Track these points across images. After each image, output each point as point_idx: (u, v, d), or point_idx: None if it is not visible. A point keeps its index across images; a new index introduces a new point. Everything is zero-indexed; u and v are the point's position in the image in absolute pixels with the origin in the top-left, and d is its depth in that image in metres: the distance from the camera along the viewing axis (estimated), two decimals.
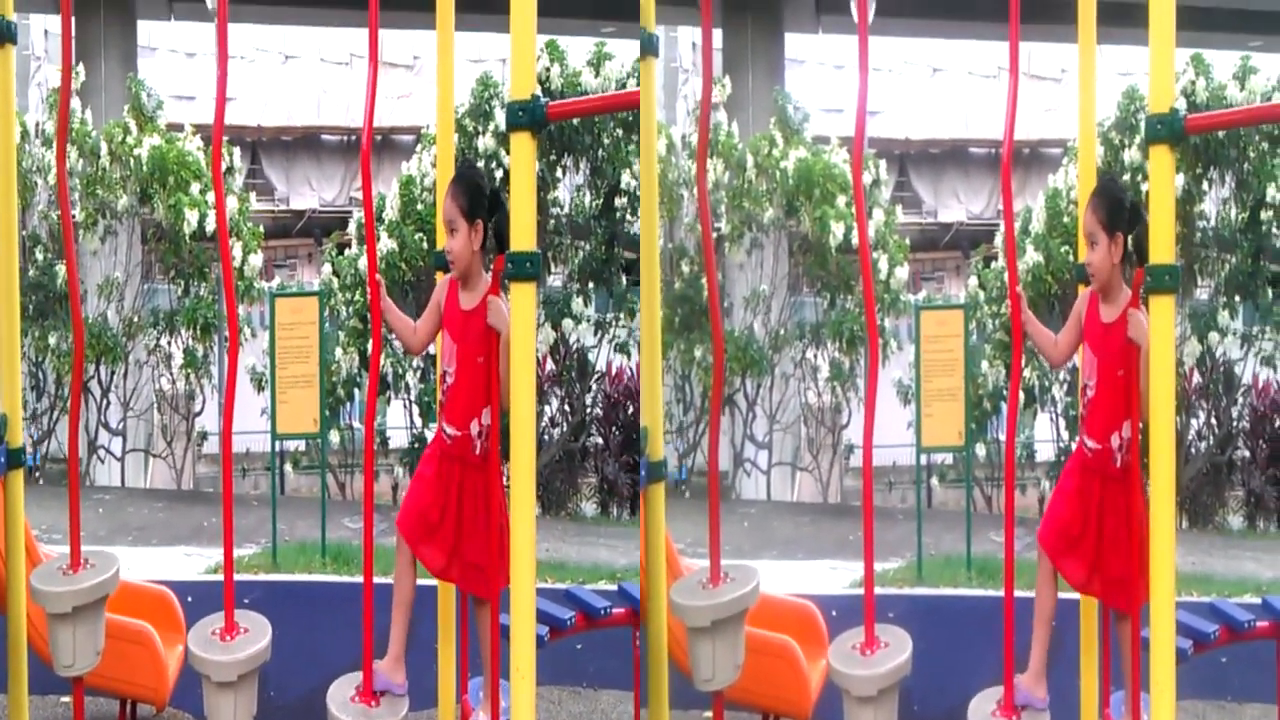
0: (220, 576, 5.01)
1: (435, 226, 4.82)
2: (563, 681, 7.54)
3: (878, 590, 4.82)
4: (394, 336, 4.76)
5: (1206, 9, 10.64)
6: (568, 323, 10.82)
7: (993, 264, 11.11)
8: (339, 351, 10.60)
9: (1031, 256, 10.70)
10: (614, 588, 6.74)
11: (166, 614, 6.43)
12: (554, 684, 7.49)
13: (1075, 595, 4.87)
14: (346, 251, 10.87)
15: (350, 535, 9.51)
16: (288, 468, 10.93)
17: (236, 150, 11.15)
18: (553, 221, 10.91)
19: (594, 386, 10.99)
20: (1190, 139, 4.85)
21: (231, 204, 10.61)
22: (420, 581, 4.65)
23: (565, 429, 10.90)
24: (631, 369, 10.86)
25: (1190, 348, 10.79)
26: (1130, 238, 4.54)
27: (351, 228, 10.99)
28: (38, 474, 10.59)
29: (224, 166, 4.73)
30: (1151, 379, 4.10)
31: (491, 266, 4.46)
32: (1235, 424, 11.03)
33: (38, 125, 10.96)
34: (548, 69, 10.73)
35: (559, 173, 10.99)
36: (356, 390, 10.71)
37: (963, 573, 9.21)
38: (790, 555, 9.75)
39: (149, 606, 6.39)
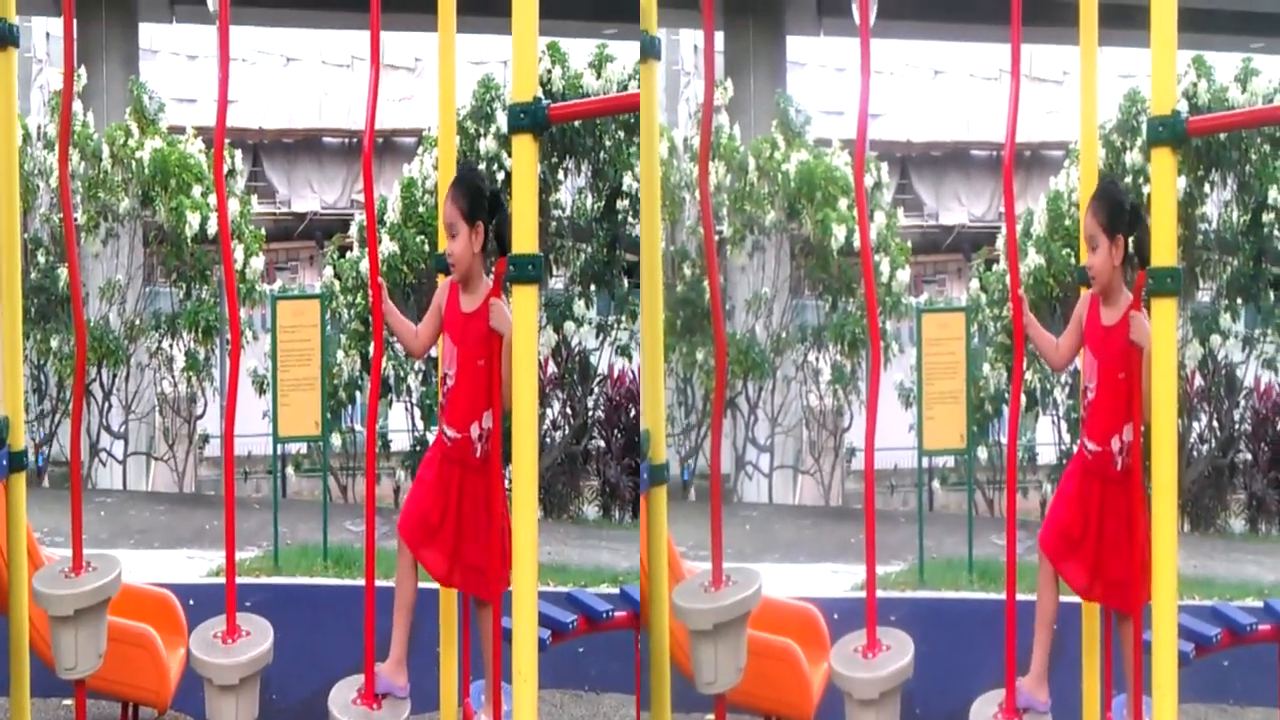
0: (222, 579, 5.01)
1: (437, 229, 4.83)
2: (565, 685, 7.54)
3: (879, 593, 4.82)
4: (395, 339, 4.76)
5: (1208, 11, 10.64)
6: (569, 325, 10.82)
7: (994, 267, 11.10)
8: (340, 354, 10.60)
9: (1033, 259, 10.70)
10: (616, 591, 6.74)
11: (168, 617, 6.43)
12: (556, 687, 7.50)
13: (1077, 599, 4.87)
14: (348, 254, 10.86)
15: (352, 538, 9.51)
16: (289, 470, 10.92)
17: (238, 153, 11.15)
18: (554, 224, 10.91)
19: (596, 389, 10.99)
20: (1192, 141, 4.86)
21: (233, 207, 10.61)
22: (422, 585, 4.65)
23: (567, 432, 10.90)
24: (633, 372, 10.85)
25: (1192, 350, 10.78)
26: (1131, 240, 4.54)
27: (353, 230, 10.99)
28: (43, 476, 10.59)
29: (225, 169, 4.73)
30: (1153, 382, 4.10)
31: (493, 269, 4.46)
32: (1237, 427, 11.02)
33: (39, 128, 10.96)
34: (549, 71, 10.73)
35: (560, 175, 10.99)
36: (358, 393, 10.70)
37: (964, 576, 9.21)
38: (792, 558, 9.75)
39: (151, 609, 6.39)
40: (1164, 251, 4.03)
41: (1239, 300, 10.94)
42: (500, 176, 10.44)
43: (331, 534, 9.35)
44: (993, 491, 10.98)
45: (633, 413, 10.76)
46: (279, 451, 10.06)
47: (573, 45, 10.84)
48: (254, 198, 11.33)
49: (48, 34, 11.47)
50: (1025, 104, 4.60)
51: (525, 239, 3.90)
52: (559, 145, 10.83)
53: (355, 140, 12.35)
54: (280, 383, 9.43)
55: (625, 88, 10.78)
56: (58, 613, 4.89)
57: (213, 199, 10.61)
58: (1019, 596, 4.62)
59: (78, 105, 10.76)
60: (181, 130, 10.98)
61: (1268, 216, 10.84)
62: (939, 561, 9.42)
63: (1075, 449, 4.77)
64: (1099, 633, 4.93)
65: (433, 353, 4.76)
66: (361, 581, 4.67)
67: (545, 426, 10.73)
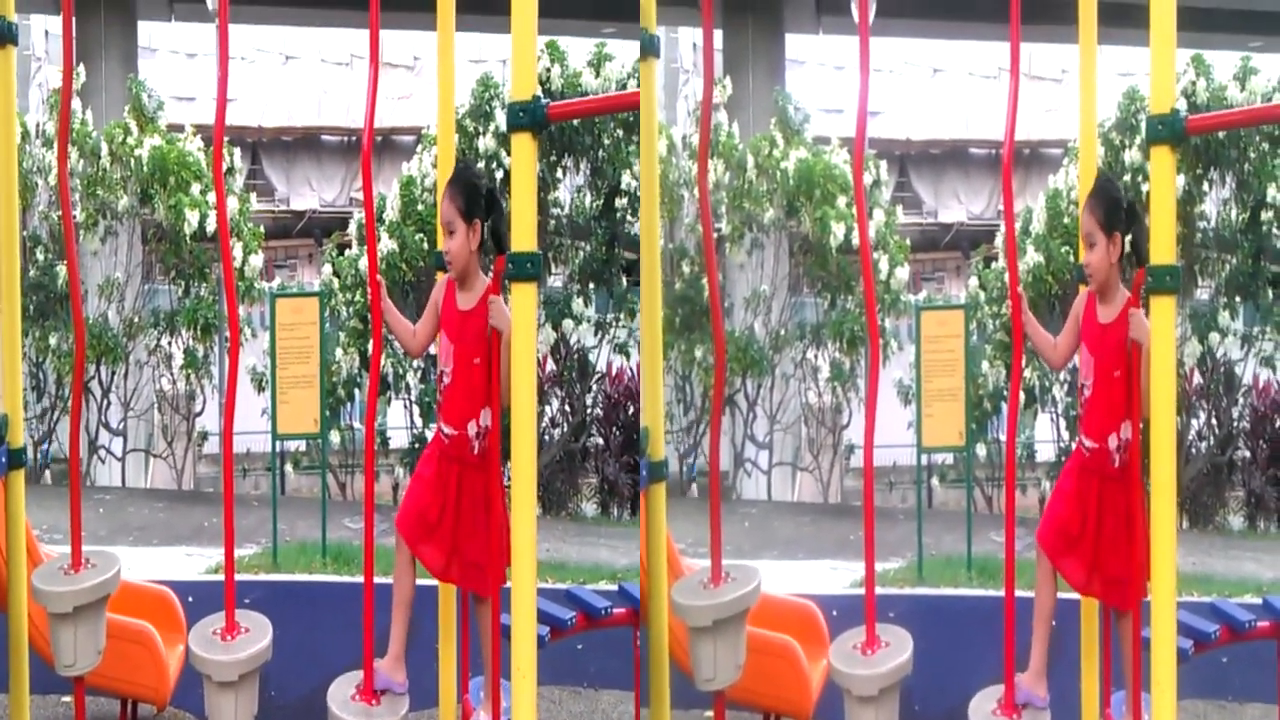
0: (221, 576, 5.01)
1: (436, 227, 4.83)
2: (563, 681, 7.54)
3: (878, 590, 4.82)
4: (394, 337, 4.76)
5: (1207, 9, 10.64)
6: (568, 323, 10.82)
7: (993, 264, 11.11)
8: (339, 352, 10.60)
9: (1032, 257, 10.70)
10: (615, 588, 6.75)
11: (167, 614, 6.44)
12: (555, 684, 7.50)
13: (1076, 595, 4.87)
14: (347, 252, 10.87)
15: (351, 535, 9.52)
16: (288, 468, 10.93)
17: (237, 151, 11.15)
18: (553, 222, 10.91)
19: (594, 387, 10.99)
20: (1191, 140, 4.86)
21: (232, 204, 10.61)
22: (421, 581, 4.65)
23: (566, 429, 10.90)
24: (632, 369, 10.86)
25: (1191, 348, 10.79)
26: (1128, 238, 4.54)
27: (352, 228, 10.99)
28: (44, 473, 10.60)
29: (224, 167, 4.72)
30: (1152, 379, 4.10)
31: (491, 267, 4.46)
32: (1236, 424, 11.03)
33: (38, 126, 10.96)
34: (548, 70, 10.74)
35: (559, 173, 10.99)
36: (357, 390, 10.71)
37: (963, 573, 9.21)
38: (791, 555, 9.76)
39: (150, 606, 6.39)
40: (1163, 249, 4.03)
41: (1238, 298, 10.95)
42: (499, 175, 10.44)
43: (330, 531, 9.35)
44: (991, 488, 10.99)
45: (631, 410, 10.76)
46: (278, 449, 10.06)
47: (571, 44, 10.84)
48: (253, 195, 11.34)
49: (46, 32, 11.47)
50: (1024, 102, 4.60)
51: (524, 237, 3.90)
52: (558, 143, 10.83)
53: (354, 138, 12.35)
54: (279, 380, 9.43)
55: (624, 86, 10.78)
56: (57, 610, 4.89)
57: (211, 197, 10.61)
58: (1018, 593, 4.62)
59: (76, 103, 10.76)
60: (180, 128, 10.98)
61: (1266, 215, 10.84)
62: (938, 558, 9.43)
63: (1074, 446, 4.77)
64: (1098, 629, 4.93)
65: (432, 350, 4.76)
66: (360, 578, 4.68)
67: (544, 424, 10.74)
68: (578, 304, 10.84)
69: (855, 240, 10.54)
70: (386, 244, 10.52)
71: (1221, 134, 10.70)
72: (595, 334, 10.95)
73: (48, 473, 10.69)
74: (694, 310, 10.80)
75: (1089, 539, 4.64)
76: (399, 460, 10.88)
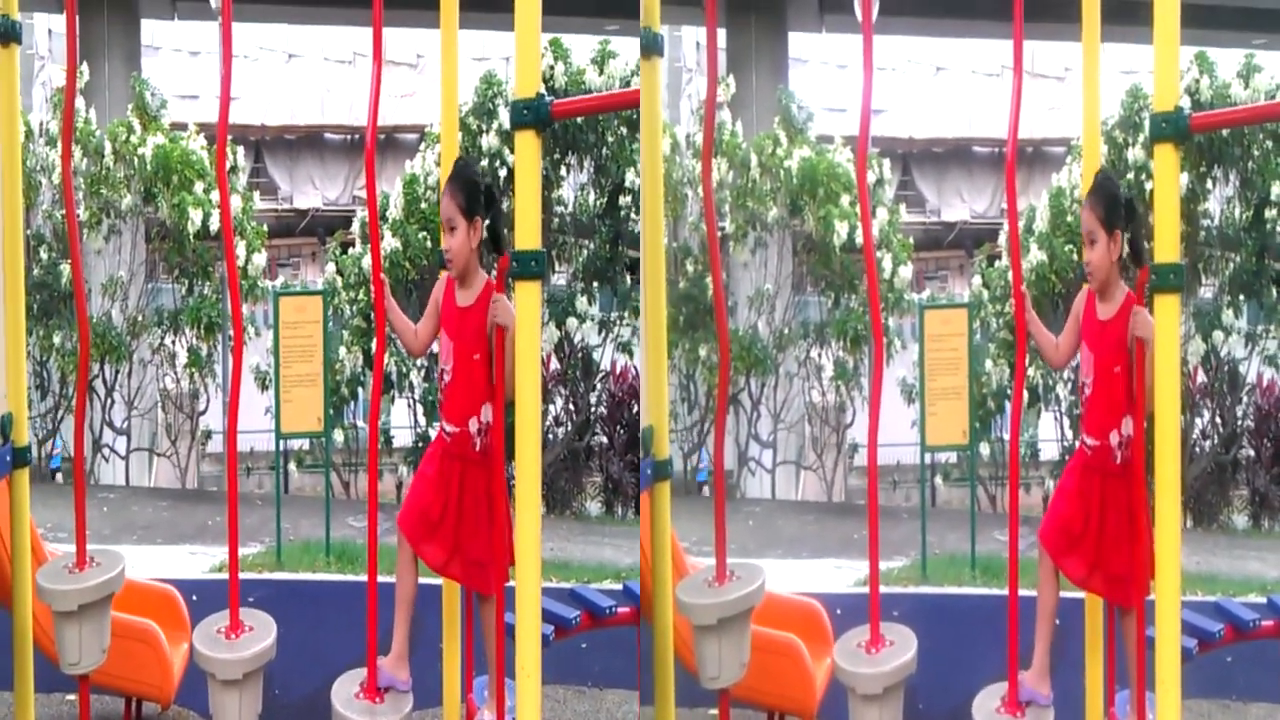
0: (225, 575, 5.01)
1: (439, 225, 4.83)
2: (567, 680, 7.54)
3: (882, 589, 4.82)
4: (396, 336, 4.76)
5: (1210, 7, 10.63)
6: (572, 322, 10.82)
7: (996, 263, 11.10)
8: (343, 350, 10.60)
9: (1035, 255, 10.70)
10: (619, 587, 6.75)
11: (171, 612, 6.44)
12: (559, 683, 7.49)
13: (1080, 594, 4.87)
14: (350, 250, 10.86)
15: (354, 534, 9.52)
16: (292, 466, 10.93)
17: (240, 149, 11.15)
18: (556, 220, 10.91)
19: (598, 385, 10.99)
20: (1194, 137, 4.86)
21: (235, 203, 10.61)
22: (426, 580, 4.66)
23: (570, 428, 10.90)
24: (635, 368, 10.85)
25: (1194, 347, 10.78)
26: (1126, 235, 4.55)
27: (355, 227, 10.99)
28: (56, 475, 10.63)
29: (228, 165, 4.73)
30: (1157, 378, 4.10)
31: (496, 265, 4.46)
32: (1240, 423, 11.02)
33: (42, 124, 10.97)
34: (551, 67, 10.73)
35: (563, 171, 10.99)
36: (360, 389, 10.71)
37: (967, 571, 9.21)
38: (795, 554, 9.75)
39: (154, 605, 6.39)
40: (1167, 247, 4.03)
41: (1241, 296, 10.94)
42: (503, 173, 10.45)
43: (334, 530, 9.35)
44: (995, 487, 10.99)
45: (635, 409, 10.75)
46: (281, 447, 10.06)
47: (575, 41, 10.83)
48: (256, 194, 11.34)
49: (50, 30, 11.46)
50: (1027, 100, 4.60)
51: (529, 235, 3.90)
52: (561, 141, 10.83)
53: (357, 136, 12.35)
54: (283, 379, 9.44)
55: (628, 84, 10.77)
56: (62, 608, 4.89)
57: (215, 195, 10.61)
58: (1021, 592, 4.62)
59: (80, 101, 10.76)
60: (184, 126, 10.98)
61: (1270, 213, 10.83)
62: (941, 557, 9.42)
63: (1077, 445, 4.77)
64: (1102, 628, 4.93)
65: (434, 349, 4.76)
66: (364, 577, 4.68)
67: (548, 423, 10.73)
68: (581, 302, 10.84)
69: (859, 239, 10.54)
70: (390, 242, 10.52)
71: (1225, 132, 10.69)
72: (599, 332, 10.94)
73: (59, 475, 10.69)
74: (698, 309, 10.80)
75: (1091, 537, 4.64)
76: (402, 459, 10.88)
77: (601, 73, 10.83)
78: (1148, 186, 10.33)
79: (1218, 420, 11.03)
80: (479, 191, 4.53)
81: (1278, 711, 6.29)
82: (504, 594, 4.46)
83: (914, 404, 10.11)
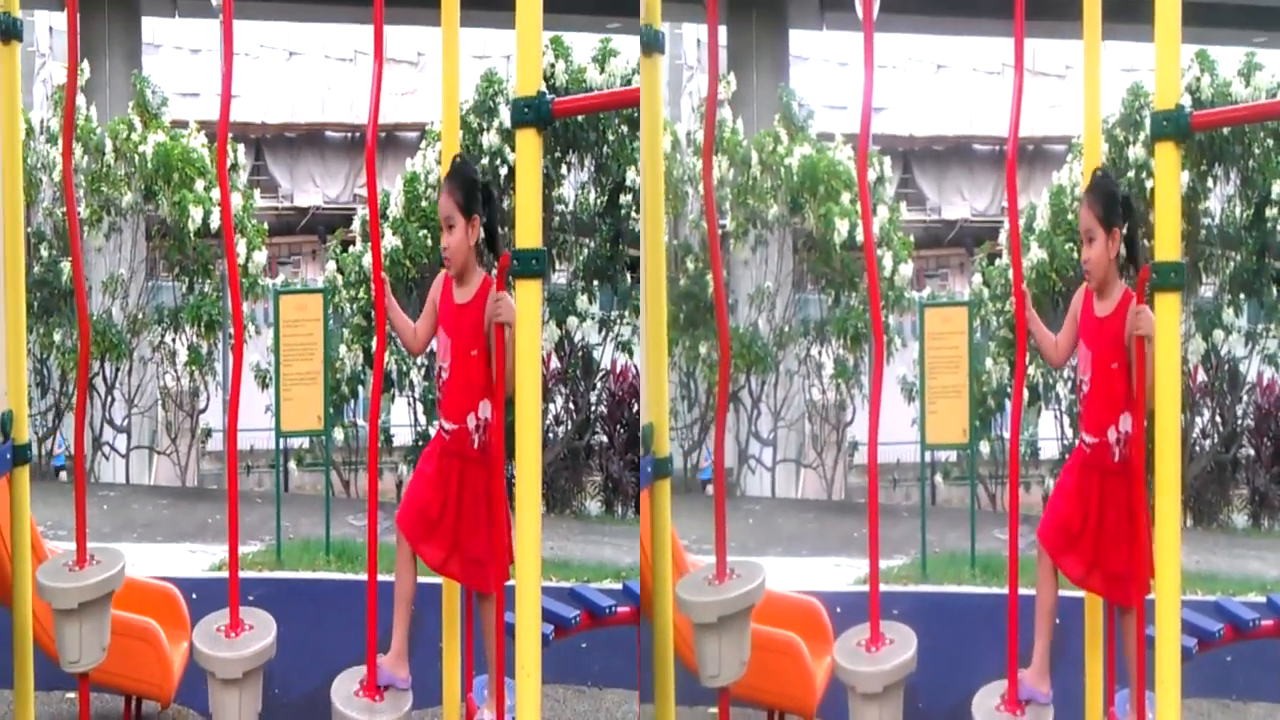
0: (225, 573, 5.01)
1: (440, 224, 4.83)
2: (567, 680, 7.53)
3: (882, 587, 4.81)
4: (396, 334, 4.76)
5: (1211, 5, 10.62)
6: (572, 320, 10.81)
7: (997, 261, 11.10)
8: (343, 348, 10.60)
9: (1036, 254, 10.70)
10: (619, 586, 6.75)
11: (171, 611, 6.43)
12: (559, 682, 7.49)
13: (1080, 593, 4.87)
14: (350, 248, 10.86)
15: (354, 532, 9.52)
16: (292, 465, 10.93)
17: (241, 147, 11.16)
18: (557, 219, 10.91)
19: (598, 384, 10.99)
20: (1195, 136, 4.86)
21: (236, 201, 10.62)
22: (426, 579, 4.65)
23: (570, 427, 10.90)
24: (636, 367, 10.85)
25: (1195, 345, 10.77)
26: (1124, 233, 4.56)
27: (355, 225, 10.99)
28: (60, 473, 10.64)
29: (228, 163, 4.72)
30: (1157, 377, 4.10)
31: (490, 261, 4.46)
32: (1240, 422, 11.01)
33: (43, 122, 10.97)
34: (552, 65, 10.73)
35: (564, 170, 10.99)
36: (360, 387, 10.71)
37: (967, 570, 9.21)
38: (795, 552, 9.75)
39: (154, 603, 6.39)
40: (1168, 246, 4.03)
41: (1242, 295, 10.93)
42: (504, 171, 10.45)
43: (334, 528, 9.35)
44: (995, 486, 10.99)
45: (635, 408, 10.75)
46: (281, 446, 10.06)
47: (576, 39, 10.83)
48: (257, 192, 11.34)
49: (51, 28, 11.46)
50: (1028, 98, 4.59)
51: (529, 233, 3.90)
52: (562, 140, 10.83)
53: (358, 135, 12.35)
54: (283, 377, 9.43)
55: (628, 82, 10.77)
56: (62, 606, 4.89)
57: (215, 193, 10.61)
58: (1021, 591, 4.62)
59: (80, 99, 10.76)
60: (184, 124, 10.98)
61: (1271, 211, 10.83)
62: (941, 556, 9.43)
63: (1076, 443, 4.78)
64: (1102, 628, 4.93)
65: (433, 347, 4.76)
66: (364, 576, 4.68)
67: (548, 422, 10.73)
68: (582, 301, 10.84)
69: (859, 236, 10.54)
70: (390, 240, 10.52)
71: (1226, 130, 10.69)
72: (599, 331, 10.94)
73: (62, 473, 10.70)
74: (698, 307, 10.80)
75: (1089, 536, 4.64)
76: (402, 457, 10.88)
77: (602, 71, 10.82)
78: (1149, 185, 10.32)
79: (1218, 419, 11.02)
80: (477, 189, 4.54)
81: (1277, 711, 6.29)
82: (504, 593, 4.45)
83: (914, 402, 10.11)
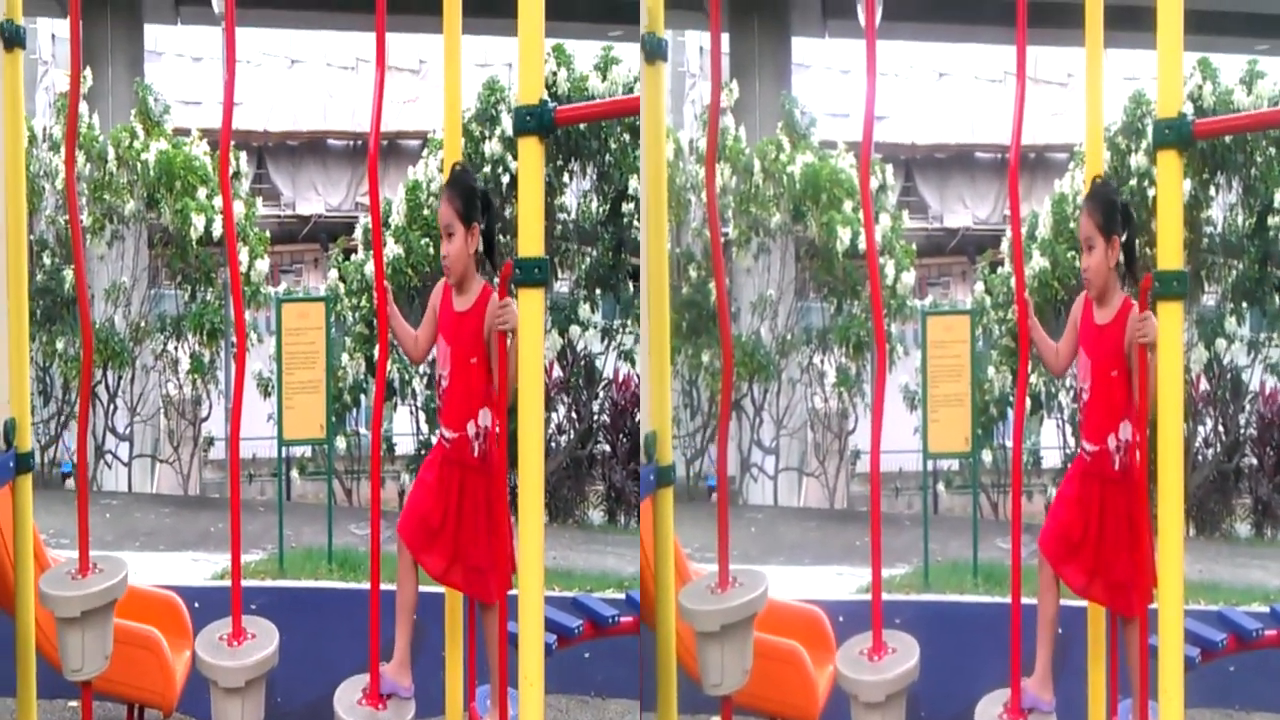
0: (227, 582, 5.01)
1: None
2: (570, 690, 7.54)
3: (884, 596, 4.81)
4: (397, 342, 4.76)
5: (1214, 13, 10.62)
6: (574, 329, 10.81)
7: (999, 269, 11.09)
8: (345, 357, 10.60)
9: (1038, 262, 10.69)
10: (622, 596, 6.74)
11: (174, 619, 6.44)
12: (561, 692, 7.49)
13: (1083, 603, 4.87)
14: (353, 257, 10.86)
15: (357, 541, 9.51)
16: (294, 473, 10.92)
17: (243, 155, 11.17)
18: (559, 227, 10.91)
19: (601, 393, 10.98)
20: (1197, 144, 4.85)
21: (238, 209, 10.62)
22: (429, 589, 4.65)
23: (572, 436, 10.89)
24: (638, 376, 10.84)
25: (1197, 355, 10.76)
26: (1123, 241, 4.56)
27: (358, 233, 10.99)
28: (65, 480, 10.63)
29: (230, 171, 4.71)
30: (1160, 386, 4.10)
31: (493, 271, 4.47)
32: (1242, 431, 11.00)
33: (45, 130, 10.97)
34: (554, 73, 10.73)
35: (566, 178, 10.99)
36: (363, 396, 10.70)
37: (969, 579, 9.20)
38: (797, 561, 9.75)
39: (156, 612, 6.39)
40: (1170, 255, 4.03)
41: (1244, 304, 10.92)
42: (506, 179, 10.45)
43: (336, 537, 9.35)
44: (997, 495, 10.98)
45: (638, 417, 10.73)
46: (284, 454, 10.06)
47: (578, 47, 10.84)
48: (259, 200, 11.33)
49: (53, 36, 11.47)
50: (1030, 106, 4.60)
51: (532, 242, 3.90)
52: (564, 148, 10.83)
53: (360, 143, 12.35)
54: (285, 385, 9.43)
55: (631, 90, 10.76)
56: (64, 614, 4.89)
57: (218, 201, 10.61)
58: (1024, 599, 4.62)
59: (83, 107, 10.77)
60: (187, 132, 10.98)
61: (1273, 220, 10.82)
62: (944, 565, 9.41)
63: (1078, 452, 4.77)
64: (1104, 637, 4.92)
65: (434, 355, 4.77)
66: (366, 585, 4.68)
67: (550, 431, 10.72)
68: (584, 310, 10.83)
69: (861, 245, 10.54)
70: (392, 249, 10.52)
71: (1228, 138, 10.68)
72: (602, 340, 10.93)
73: (68, 480, 10.69)
74: (700, 315, 10.80)
75: (1090, 545, 4.64)
76: (405, 466, 10.87)
77: (605, 79, 10.83)
78: (1150, 193, 10.32)
79: (1220, 428, 11.01)
80: (476, 198, 4.55)
81: None
82: (506, 602, 4.45)
83: (916, 410, 10.10)
